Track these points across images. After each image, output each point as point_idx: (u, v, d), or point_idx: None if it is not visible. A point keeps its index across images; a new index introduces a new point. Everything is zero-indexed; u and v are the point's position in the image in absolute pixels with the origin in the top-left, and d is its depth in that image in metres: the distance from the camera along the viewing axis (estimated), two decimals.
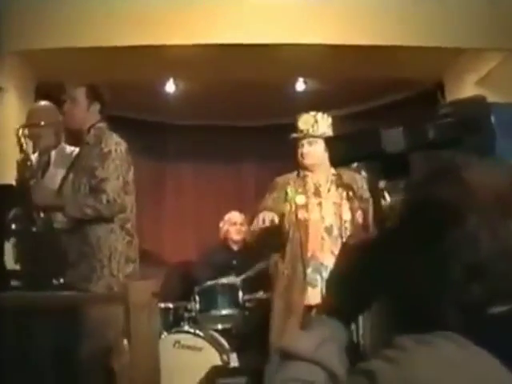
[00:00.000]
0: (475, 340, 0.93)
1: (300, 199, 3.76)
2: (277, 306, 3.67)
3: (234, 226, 5.58)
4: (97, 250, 3.40)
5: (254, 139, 7.23)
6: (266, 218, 3.59)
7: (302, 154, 3.88)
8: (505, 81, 5.35)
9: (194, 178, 7.44)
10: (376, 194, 1.25)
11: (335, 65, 5.60)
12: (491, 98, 4.67)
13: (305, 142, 3.87)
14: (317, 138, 3.85)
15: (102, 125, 3.68)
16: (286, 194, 3.79)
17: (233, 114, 7.03)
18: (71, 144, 4.13)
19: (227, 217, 5.67)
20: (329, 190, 3.81)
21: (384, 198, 1.14)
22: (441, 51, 5.30)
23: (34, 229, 3.54)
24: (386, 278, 1.04)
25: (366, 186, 3.69)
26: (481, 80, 5.54)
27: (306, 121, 3.89)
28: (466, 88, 5.72)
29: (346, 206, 3.72)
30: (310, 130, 3.87)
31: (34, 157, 4.07)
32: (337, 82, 6.20)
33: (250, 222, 5.56)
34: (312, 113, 3.93)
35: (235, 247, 5.56)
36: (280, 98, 6.52)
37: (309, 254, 3.65)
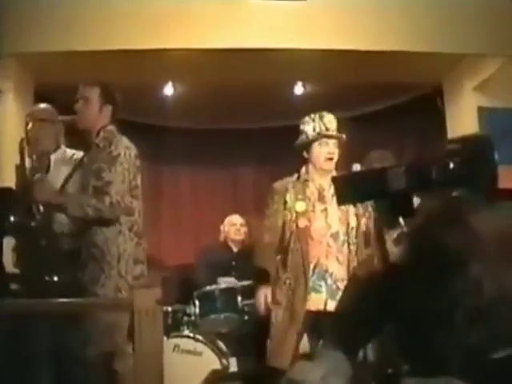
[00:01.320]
0: None
1: (300, 206, 3.62)
2: (278, 315, 3.56)
3: (233, 226, 5.68)
4: (105, 251, 3.39)
5: (251, 142, 7.24)
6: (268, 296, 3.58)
7: (329, 153, 3.67)
8: (503, 86, 5.37)
9: (192, 181, 7.43)
10: (380, 230, 1.27)
11: (334, 69, 5.61)
12: (489, 103, 4.72)
13: (331, 142, 3.69)
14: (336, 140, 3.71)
15: (112, 127, 3.66)
16: (285, 202, 3.66)
17: (230, 117, 7.04)
18: (72, 146, 4.13)
19: (227, 219, 5.76)
20: (333, 195, 3.59)
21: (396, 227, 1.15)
22: (440, 56, 5.32)
23: (33, 223, 3.53)
24: (392, 313, 1.05)
25: None
26: (479, 85, 5.57)
27: (331, 120, 3.71)
28: (464, 93, 5.75)
29: (351, 211, 3.62)
30: (335, 131, 3.71)
31: (32, 160, 4.06)
32: (335, 86, 6.21)
33: (249, 224, 5.63)
34: (329, 114, 3.77)
35: (235, 248, 5.65)
36: (278, 101, 6.53)
37: (313, 261, 3.55)
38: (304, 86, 6.43)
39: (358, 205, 3.59)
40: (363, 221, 3.63)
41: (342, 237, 3.61)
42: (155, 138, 7.23)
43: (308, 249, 3.55)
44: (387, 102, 6.69)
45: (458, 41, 5.13)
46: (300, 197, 3.64)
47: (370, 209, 3.64)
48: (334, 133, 3.70)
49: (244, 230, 5.71)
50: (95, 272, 3.37)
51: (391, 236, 4.05)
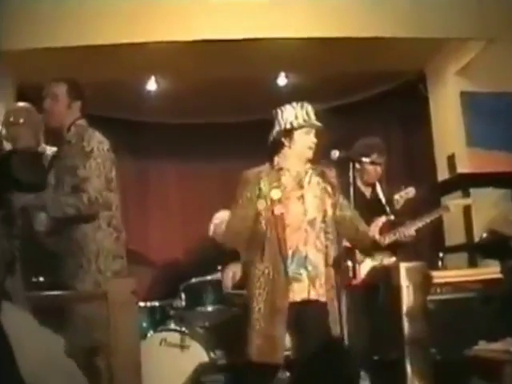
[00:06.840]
0: None
1: (275, 194, 3.50)
2: (259, 308, 3.40)
3: (221, 222, 5.66)
4: (84, 247, 3.39)
5: (237, 136, 7.19)
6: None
7: (312, 142, 3.55)
8: (485, 71, 5.37)
9: (178, 176, 7.40)
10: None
11: (316, 58, 5.60)
12: (471, 87, 4.72)
13: (313, 131, 3.56)
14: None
15: (83, 122, 3.64)
16: (260, 190, 3.52)
17: (215, 111, 7.00)
18: (51, 143, 4.11)
19: (215, 215, 5.74)
20: (309, 182, 3.59)
21: None
22: (421, 42, 5.31)
23: (15, 231, 3.51)
24: None
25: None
26: (461, 70, 5.56)
27: (311, 110, 3.58)
28: (447, 78, 5.75)
29: (328, 202, 3.54)
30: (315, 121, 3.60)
31: None
32: (318, 76, 6.18)
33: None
34: (308, 104, 3.62)
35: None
36: (262, 93, 6.49)
37: (292, 248, 3.45)
38: (287, 76, 6.40)
39: (334, 194, 3.56)
40: (338, 212, 3.56)
41: (319, 224, 3.51)
42: (140, 134, 7.22)
43: (285, 236, 3.44)
44: (371, 91, 6.66)
45: (439, 26, 5.11)
46: (275, 184, 3.53)
47: (341, 200, 3.60)
48: (317, 122, 3.59)
49: None
50: (74, 268, 3.36)
51: (377, 223, 4.00)
